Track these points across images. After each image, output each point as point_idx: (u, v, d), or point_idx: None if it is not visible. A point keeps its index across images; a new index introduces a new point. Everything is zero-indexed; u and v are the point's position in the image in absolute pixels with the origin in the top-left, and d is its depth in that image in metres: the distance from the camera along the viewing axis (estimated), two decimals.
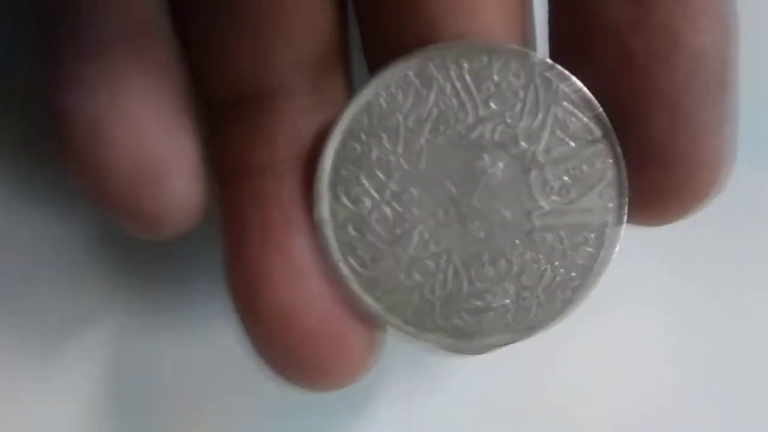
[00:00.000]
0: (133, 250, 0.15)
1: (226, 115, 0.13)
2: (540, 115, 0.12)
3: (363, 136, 0.12)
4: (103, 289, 0.15)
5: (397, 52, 0.12)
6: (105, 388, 0.15)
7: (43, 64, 0.12)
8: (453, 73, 0.12)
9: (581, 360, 0.17)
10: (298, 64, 0.13)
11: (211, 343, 0.13)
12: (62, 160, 0.12)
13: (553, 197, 0.12)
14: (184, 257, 0.15)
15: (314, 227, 0.12)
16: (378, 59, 0.13)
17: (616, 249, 0.13)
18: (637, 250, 0.14)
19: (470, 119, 0.12)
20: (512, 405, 0.16)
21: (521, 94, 0.12)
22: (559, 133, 0.12)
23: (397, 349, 0.13)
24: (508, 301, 0.12)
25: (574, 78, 0.12)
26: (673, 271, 0.17)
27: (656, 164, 0.12)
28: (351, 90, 0.13)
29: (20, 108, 0.14)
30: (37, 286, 0.15)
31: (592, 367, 0.17)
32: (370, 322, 0.13)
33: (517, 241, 0.12)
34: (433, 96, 0.12)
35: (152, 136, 0.12)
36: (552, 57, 0.13)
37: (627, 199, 0.12)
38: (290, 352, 0.12)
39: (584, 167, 0.12)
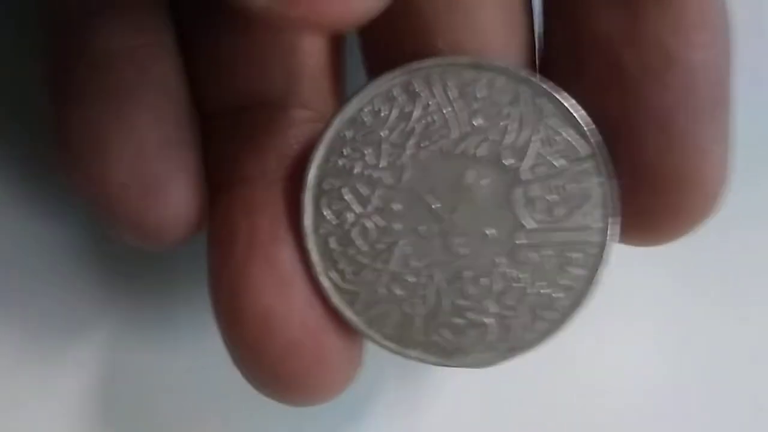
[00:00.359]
0: (130, 259, 0.15)
1: (219, 125, 0.13)
2: (526, 132, 0.12)
3: (346, 151, 0.12)
4: (99, 297, 0.15)
5: (394, 61, 0.12)
6: (100, 395, 0.16)
7: (48, 75, 0.13)
8: (437, 89, 0.12)
9: (580, 367, 0.16)
10: (292, 77, 0.13)
11: (206, 351, 0.14)
12: (64, 169, 0.12)
13: (539, 215, 0.12)
14: (180, 265, 0.15)
15: (300, 238, 0.13)
16: (376, 68, 0.13)
17: (604, 270, 0.12)
18: (638, 256, 0.14)
19: (454, 135, 0.12)
20: (511, 411, 0.16)
21: (507, 110, 0.12)
22: (543, 150, 0.12)
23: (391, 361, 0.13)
24: (489, 320, 0.12)
25: (562, 94, 0.12)
26: (674, 277, 0.17)
27: (648, 184, 0.12)
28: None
29: (22, 117, 0.15)
30: (33, 293, 0.15)
31: (592, 374, 0.17)
32: (351, 335, 0.13)
33: (501, 260, 0.12)
34: (417, 111, 0.12)
35: (153, 149, 0.12)
36: (543, 70, 0.13)
37: (615, 218, 0.12)
38: (270, 363, 0.12)
39: (571, 186, 0.12)
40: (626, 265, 0.15)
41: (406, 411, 0.16)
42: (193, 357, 0.15)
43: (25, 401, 0.15)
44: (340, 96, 0.14)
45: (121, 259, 0.15)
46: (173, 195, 0.12)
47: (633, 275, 0.16)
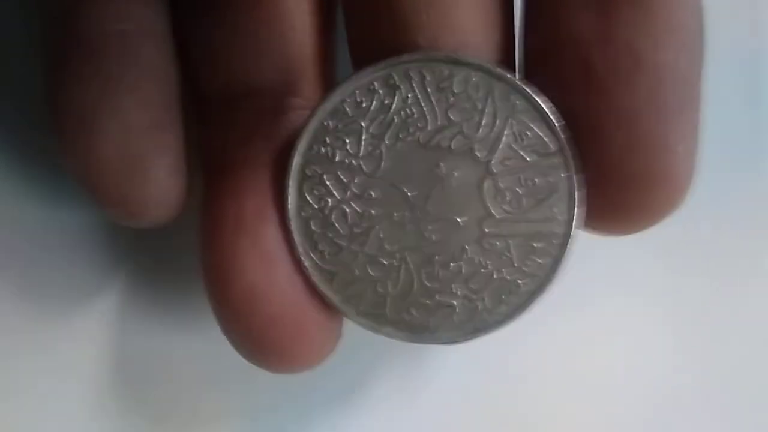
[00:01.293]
0: (131, 241, 0.16)
1: (212, 111, 0.14)
2: (497, 127, 0.13)
3: (328, 139, 0.13)
4: (99, 276, 0.16)
5: (377, 55, 0.13)
6: (101, 377, 0.16)
7: (43, 56, 0.14)
8: (415, 83, 0.13)
9: (571, 353, 0.17)
10: (283, 66, 0.14)
11: (207, 334, 0.14)
12: (55, 146, 0.13)
13: (505, 206, 0.13)
14: (182, 247, 0.15)
15: (284, 220, 0.13)
16: (361, 62, 0.13)
17: (565, 260, 0.13)
18: (629, 244, 0.14)
19: (430, 128, 0.13)
20: (501, 399, 0.17)
21: (480, 105, 0.13)
22: (514, 145, 0.13)
23: (387, 342, 0.14)
24: (455, 302, 0.13)
25: (532, 92, 0.13)
26: (666, 266, 0.17)
27: (615, 179, 0.13)
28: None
29: (22, 99, 0.15)
30: (35, 275, 0.16)
31: (582, 361, 0.17)
32: (330, 311, 0.14)
33: (468, 246, 0.13)
34: (396, 104, 0.13)
35: (139, 130, 0.13)
36: (521, 68, 0.13)
37: (578, 211, 0.13)
38: (254, 334, 0.13)
39: (538, 179, 0.13)
40: (620, 255, 0.16)
41: (401, 392, 0.17)
42: (197, 337, 0.16)
43: (27, 381, 0.16)
44: (329, 84, 0.14)
45: (123, 237, 0.16)
46: (156, 175, 0.13)
47: (628, 264, 0.17)
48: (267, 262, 0.13)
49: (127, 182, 0.13)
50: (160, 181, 0.13)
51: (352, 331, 0.14)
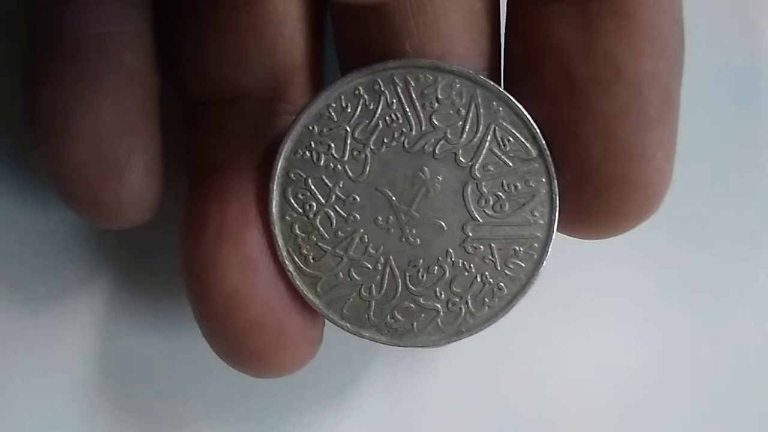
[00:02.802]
0: (115, 242, 0.16)
1: (199, 114, 0.14)
2: (479, 133, 0.13)
3: (312, 144, 0.13)
4: (84, 279, 0.16)
5: (364, 61, 0.13)
6: (87, 377, 0.16)
7: (22, 56, 0.13)
8: (400, 89, 0.13)
9: (555, 355, 0.17)
10: (271, 72, 0.14)
11: (192, 335, 0.14)
12: (30, 148, 0.13)
13: (487, 211, 0.13)
14: (166, 248, 0.15)
15: (267, 224, 0.13)
16: (349, 68, 0.13)
17: (544, 263, 0.13)
18: (616, 250, 0.14)
19: (413, 133, 0.13)
20: (488, 401, 0.17)
21: (463, 112, 0.13)
22: (496, 150, 0.13)
23: (371, 343, 0.14)
24: (438, 305, 0.13)
25: (513, 99, 0.13)
26: (654, 271, 0.17)
27: (590, 185, 0.13)
28: None
29: (4, 100, 0.15)
30: (19, 276, 0.16)
31: (573, 365, 0.17)
32: (311, 315, 0.14)
33: (451, 250, 0.13)
34: (379, 109, 0.13)
35: (112, 132, 0.13)
36: (504, 75, 0.14)
37: (557, 216, 0.13)
38: (235, 338, 0.13)
39: (519, 184, 0.13)
40: (607, 260, 0.16)
41: (387, 393, 0.17)
42: (178, 332, 0.16)
43: (11, 380, 0.16)
44: (316, 90, 0.14)
45: (107, 238, 0.16)
46: (129, 178, 0.13)
47: (614, 270, 0.17)
48: (249, 267, 0.13)
49: (100, 184, 0.13)
50: (134, 183, 0.13)
51: (338, 332, 0.14)
